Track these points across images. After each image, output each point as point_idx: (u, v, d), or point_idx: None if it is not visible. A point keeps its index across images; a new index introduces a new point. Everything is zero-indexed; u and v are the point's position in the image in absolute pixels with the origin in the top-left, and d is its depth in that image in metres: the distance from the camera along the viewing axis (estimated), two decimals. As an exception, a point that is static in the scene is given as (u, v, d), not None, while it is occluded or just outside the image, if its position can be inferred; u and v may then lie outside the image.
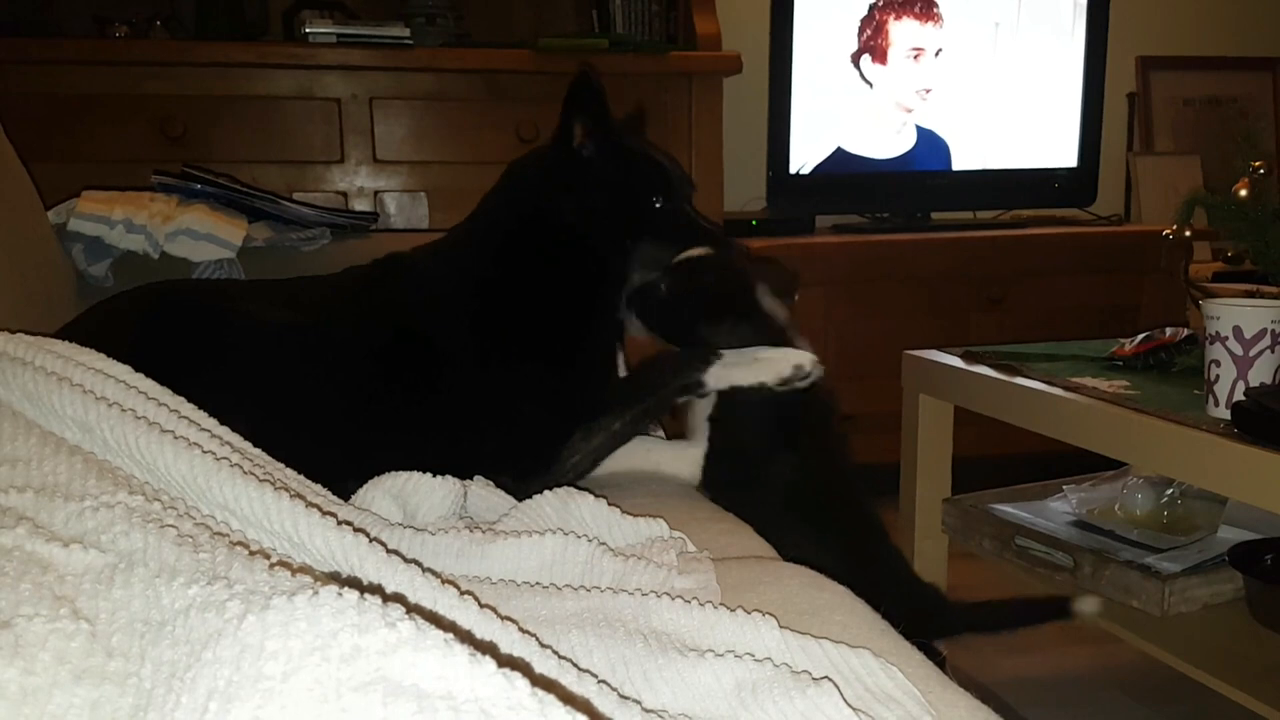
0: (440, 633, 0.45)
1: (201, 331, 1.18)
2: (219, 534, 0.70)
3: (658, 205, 1.24)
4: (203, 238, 1.52)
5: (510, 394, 1.17)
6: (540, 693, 0.42)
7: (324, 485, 0.95)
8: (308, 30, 2.31)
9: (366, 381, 1.17)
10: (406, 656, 0.43)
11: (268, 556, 0.65)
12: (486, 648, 0.55)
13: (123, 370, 0.98)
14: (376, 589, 0.62)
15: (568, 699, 0.45)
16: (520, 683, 0.42)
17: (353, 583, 0.66)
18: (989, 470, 1.96)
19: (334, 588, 0.47)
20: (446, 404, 1.16)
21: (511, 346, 1.19)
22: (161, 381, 0.97)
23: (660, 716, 0.63)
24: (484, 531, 0.93)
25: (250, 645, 0.44)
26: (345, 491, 0.98)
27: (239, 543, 0.69)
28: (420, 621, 0.46)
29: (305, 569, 0.66)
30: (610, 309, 1.25)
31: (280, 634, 0.44)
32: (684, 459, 1.20)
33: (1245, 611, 1.49)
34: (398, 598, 0.61)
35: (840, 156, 2.83)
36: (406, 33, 2.33)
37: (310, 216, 1.63)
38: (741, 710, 0.66)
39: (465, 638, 0.60)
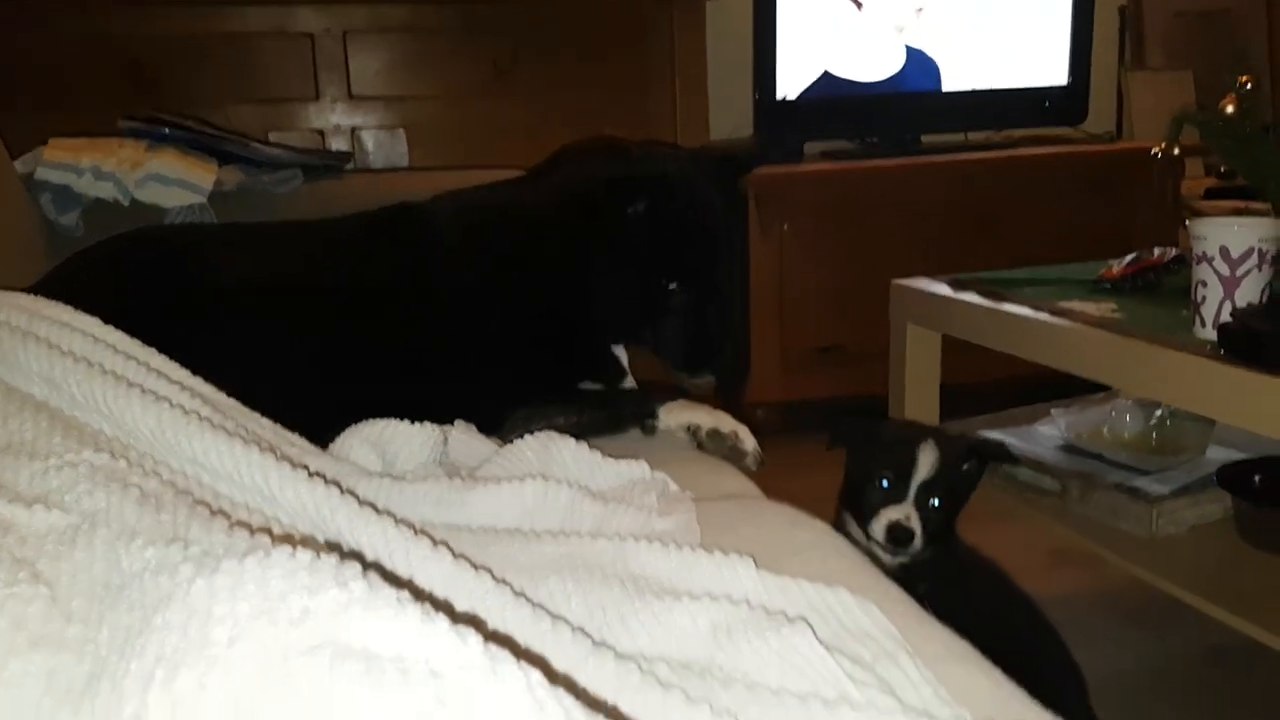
0: (393, 591, 0.44)
1: (181, 283, 1.17)
2: (184, 492, 0.69)
3: (670, 288, 1.21)
4: (173, 183, 1.49)
5: (480, 358, 1.19)
6: (493, 649, 0.41)
7: (302, 434, 0.95)
8: (278, -37, 2.25)
9: (346, 330, 1.17)
10: (356, 617, 0.42)
11: (228, 516, 0.64)
12: (444, 605, 0.54)
13: (91, 323, 0.97)
14: (335, 546, 0.62)
15: (525, 654, 0.44)
16: (473, 640, 0.41)
17: (308, 542, 0.65)
18: (979, 397, 1.95)
19: (287, 548, 0.46)
20: (422, 359, 1.17)
21: (500, 323, 1.20)
22: (140, 334, 0.96)
23: (636, 661, 0.63)
24: (464, 479, 0.92)
25: (198, 610, 0.43)
26: (325, 441, 0.98)
27: (202, 501, 0.68)
28: (374, 579, 0.45)
29: (266, 528, 0.65)
30: (609, 330, 1.25)
31: (228, 598, 0.43)
32: None
33: (1234, 532, 1.49)
34: (356, 554, 0.60)
35: (828, 80, 2.78)
36: (378, -37, 2.27)
37: (282, 158, 1.60)
38: (717, 651, 0.65)
39: (426, 594, 0.60)
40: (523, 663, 0.41)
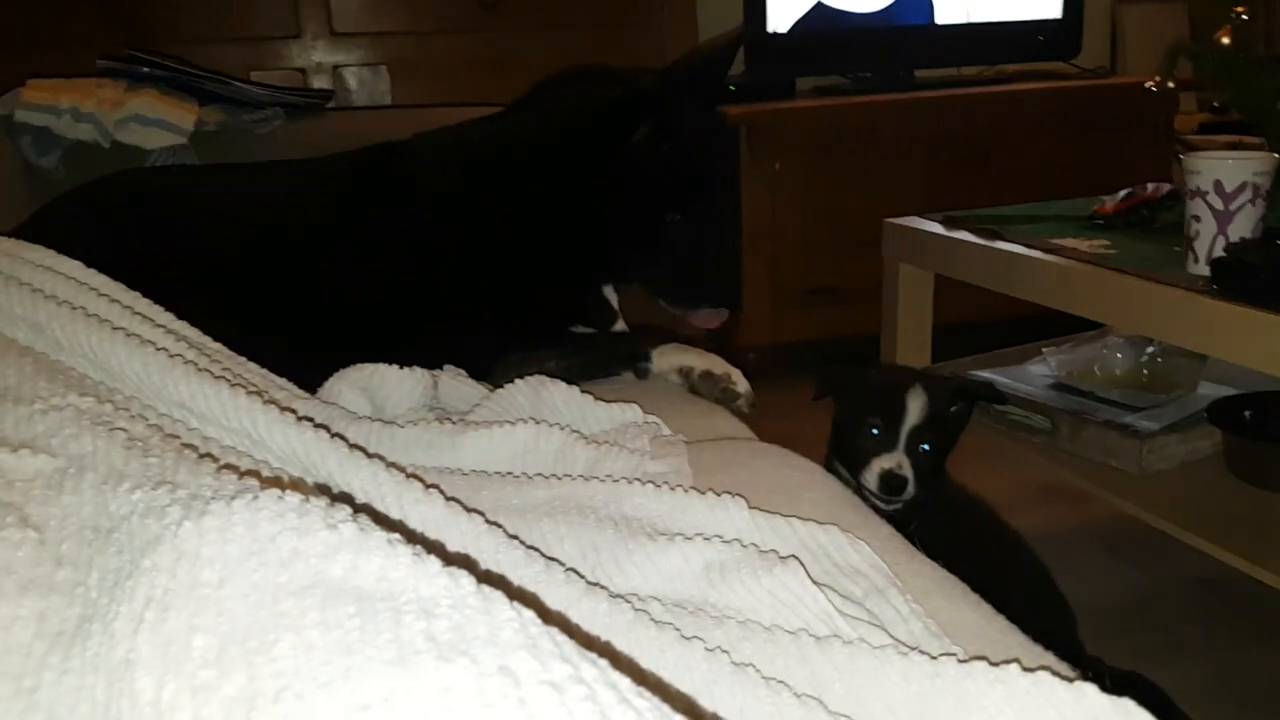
0: (384, 533, 0.43)
1: (164, 226, 1.15)
2: (171, 435, 0.68)
3: (672, 220, 1.18)
4: (153, 124, 1.46)
5: (470, 302, 1.17)
6: (486, 589, 0.41)
7: (289, 379, 0.94)
8: (255, -104, 2.19)
9: (332, 274, 1.15)
10: (347, 559, 0.42)
11: (216, 459, 0.63)
12: (436, 547, 0.54)
13: (73, 266, 0.96)
14: (325, 489, 0.61)
15: (518, 595, 0.44)
16: (466, 581, 0.41)
17: (298, 485, 0.64)
18: (972, 336, 1.95)
19: (275, 491, 0.46)
20: (409, 303, 1.15)
21: (490, 266, 1.18)
22: (123, 278, 0.94)
23: (629, 600, 0.63)
24: (455, 422, 0.92)
25: (187, 552, 0.42)
26: (313, 386, 0.97)
27: (189, 444, 0.67)
28: (364, 522, 0.45)
29: (255, 472, 0.65)
30: (605, 268, 1.23)
31: (217, 540, 0.42)
32: None
33: (1223, 467, 1.50)
34: (346, 498, 0.60)
35: (820, 13, 2.73)
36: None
37: (262, 97, 1.57)
38: (710, 591, 0.65)
39: (418, 537, 0.59)
40: (516, 603, 0.41)
